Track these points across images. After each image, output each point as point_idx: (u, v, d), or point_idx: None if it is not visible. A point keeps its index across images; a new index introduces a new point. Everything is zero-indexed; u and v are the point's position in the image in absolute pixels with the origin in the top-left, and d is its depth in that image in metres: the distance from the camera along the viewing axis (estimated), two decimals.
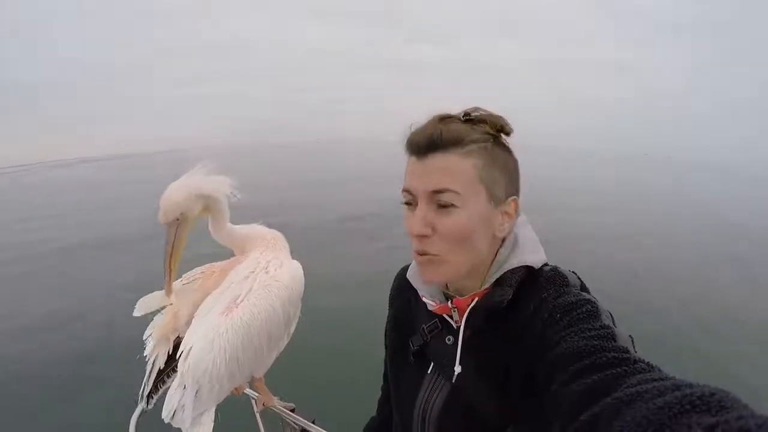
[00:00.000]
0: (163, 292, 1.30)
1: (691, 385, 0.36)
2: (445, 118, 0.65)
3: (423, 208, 0.63)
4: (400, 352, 0.79)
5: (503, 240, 0.69)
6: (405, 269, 0.83)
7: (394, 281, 0.88)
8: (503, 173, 0.66)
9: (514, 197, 0.67)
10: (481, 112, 0.66)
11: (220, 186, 1.28)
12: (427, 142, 0.62)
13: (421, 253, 0.65)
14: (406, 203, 0.67)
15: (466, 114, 0.65)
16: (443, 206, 0.62)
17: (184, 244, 1.26)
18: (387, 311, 0.89)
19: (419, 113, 0.67)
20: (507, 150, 0.67)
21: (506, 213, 0.67)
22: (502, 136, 0.67)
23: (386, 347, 0.87)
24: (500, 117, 0.66)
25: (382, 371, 0.95)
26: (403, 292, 0.84)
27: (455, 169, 0.62)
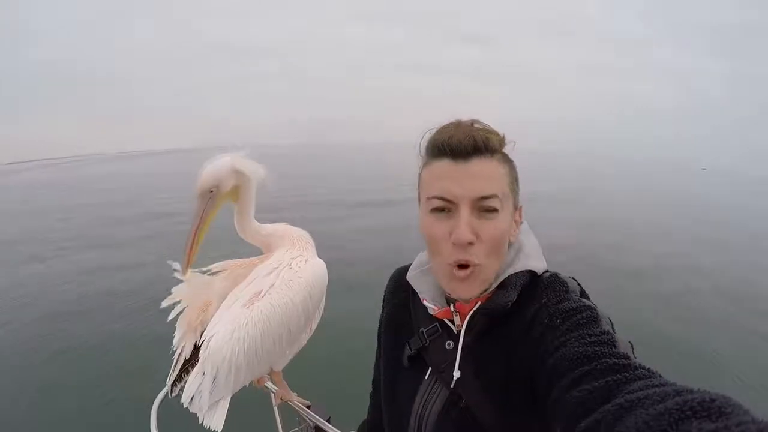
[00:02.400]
0: (187, 282, 1.37)
1: (691, 391, 0.36)
2: (471, 125, 0.64)
3: (467, 214, 0.61)
4: (396, 356, 0.77)
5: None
6: (402, 270, 0.82)
7: (390, 282, 0.86)
8: (518, 183, 0.67)
9: (521, 206, 0.69)
10: (485, 124, 0.66)
11: (256, 169, 1.37)
12: (473, 146, 0.61)
13: (464, 265, 0.62)
14: (437, 209, 0.63)
15: (478, 125, 0.65)
16: (486, 212, 0.61)
17: (210, 223, 1.33)
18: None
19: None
20: (513, 161, 0.68)
21: (516, 220, 0.69)
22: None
23: (378, 350, 0.86)
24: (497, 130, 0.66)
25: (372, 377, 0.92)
26: (398, 293, 0.82)
27: (497, 174, 0.62)
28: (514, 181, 0.66)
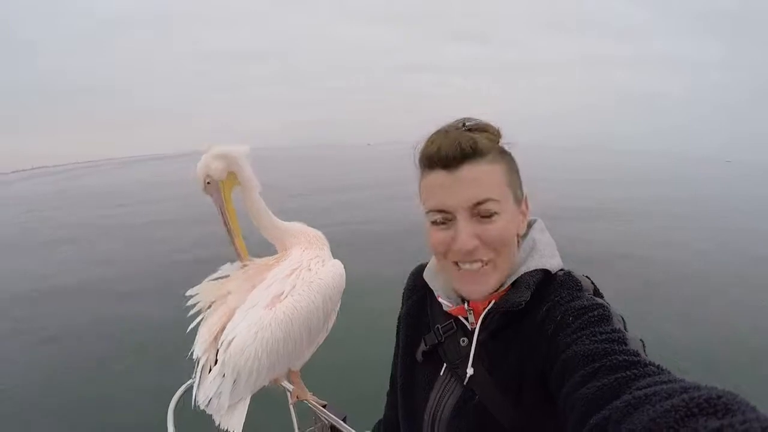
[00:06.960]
0: (209, 282, 1.41)
1: (698, 388, 0.36)
2: (459, 129, 0.65)
3: (465, 223, 0.62)
4: (412, 352, 0.78)
5: (518, 243, 0.69)
6: (420, 267, 0.83)
7: (408, 279, 0.87)
8: (517, 175, 0.68)
9: (526, 195, 0.70)
10: (477, 120, 0.67)
11: (234, 148, 1.43)
12: (460, 154, 0.61)
13: (471, 264, 0.64)
14: (437, 222, 0.65)
15: (469, 123, 0.66)
16: (486, 216, 0.62)
17: (232, 211, 1.44)
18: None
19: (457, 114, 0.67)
20: (510, 153, 0.68)
21: (522, 212, 0.69)
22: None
23: (397, 346, 0.86)
24: (492, 124, 0.67)
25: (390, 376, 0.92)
26: (416, 291, 0.83)
27: (489, 177, 0.62)
28: (512, 175, 0.66)
